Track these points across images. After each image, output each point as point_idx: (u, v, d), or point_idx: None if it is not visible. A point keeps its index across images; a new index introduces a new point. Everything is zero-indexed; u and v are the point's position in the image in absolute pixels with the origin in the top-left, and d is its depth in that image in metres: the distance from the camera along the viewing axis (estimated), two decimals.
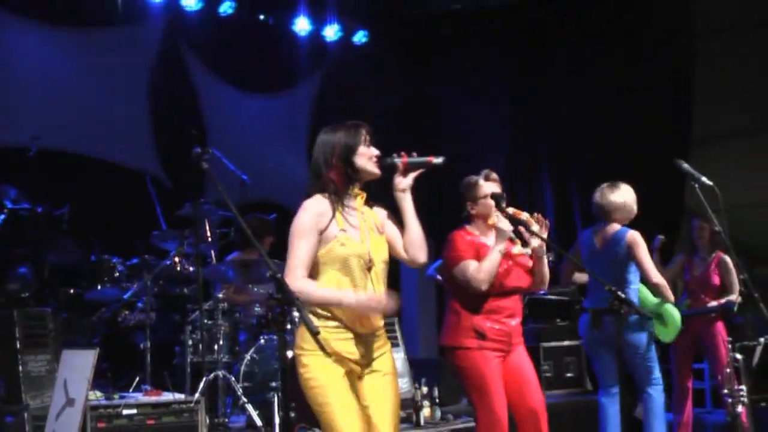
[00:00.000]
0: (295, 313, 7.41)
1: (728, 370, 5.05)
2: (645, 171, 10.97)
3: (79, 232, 8.80)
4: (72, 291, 8.47)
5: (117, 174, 10.15)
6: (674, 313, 6.74)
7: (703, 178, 5.75)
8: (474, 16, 11.89)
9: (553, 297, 10.30)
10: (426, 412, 7.66)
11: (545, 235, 5.37)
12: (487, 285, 5.20)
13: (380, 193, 4.49)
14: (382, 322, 4.36)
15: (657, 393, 6.73)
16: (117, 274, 8.42)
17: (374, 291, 4.23)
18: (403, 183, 4.36)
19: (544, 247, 5.44)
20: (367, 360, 4.27)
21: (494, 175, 5.55)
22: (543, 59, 12.45)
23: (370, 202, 4.44)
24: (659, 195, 10.89)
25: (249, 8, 11.17)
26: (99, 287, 8.36)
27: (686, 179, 5.99)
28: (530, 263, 5.54)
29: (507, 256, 5.41)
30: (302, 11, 11.42)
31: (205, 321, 7.82)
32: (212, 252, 9.04)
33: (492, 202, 5.37)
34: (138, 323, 8.12)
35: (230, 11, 10.92)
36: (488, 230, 5.43)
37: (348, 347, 4.20)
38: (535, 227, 5.35)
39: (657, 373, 6.75)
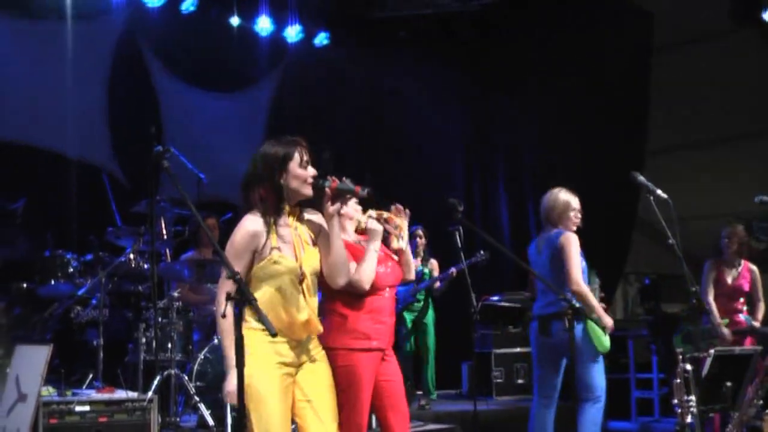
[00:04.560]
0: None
1: (678, 380, 5.12)
2: (600, 182, 11.12)
3: (33, 226, 8.74)
4: (25, 286, 8.39)
5: (73, 169, 10.06)
6: (597, 332, 6.57)
7: (658, 191, 5.83)
8: (434, 20, 11.94)
9: (505, 304, 10.38)
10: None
11: (406, 223, 5.39)
12: (369, 285, 5.17)
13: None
14: (311, 332, 4.55)
15: (591, 407, 6.57)
16: (71, 269, 8.35)
17: (306, 302, 4.43)
18: (331, 209, 4.51)
19: (406, 236, 5.44)
20: (301, 361, 4.48)
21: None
22: (501, 66, 12.55)
23: (303, 209, 4.57)
24: (613, 206, 11.04)
25: (211, 7, 11.12)
26: (52, 282, 8.29)
27: (641, 191, 6.05)
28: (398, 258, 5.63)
29: (387, 256, 5.49)
30: (264, 11, 11.39)
31: (159, 319, 7.80)
32: (167, 250, 9.01)
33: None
34: (91, 320, 8.07)
35: (192, 9, 10.87)
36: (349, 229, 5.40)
37: (283, 350, 4.40)
38: (397, 221, 5.38)
39: (598, 387, 6.60)
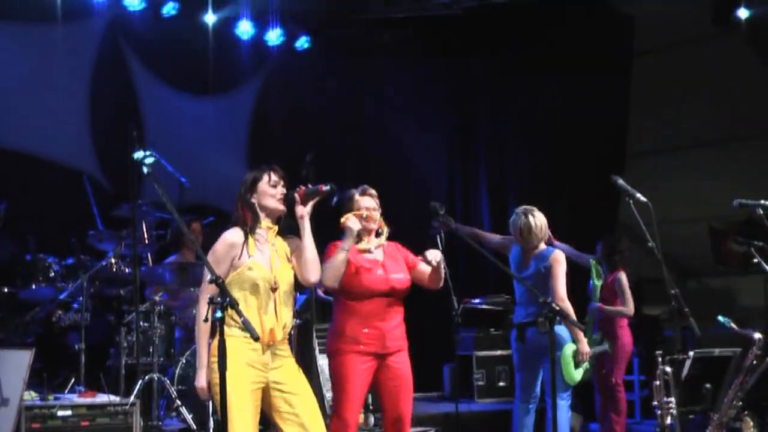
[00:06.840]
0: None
1: (658, 382, 5.16)
2: (580, 185, 11.16)
3: (14, 230, 8.72)
4: (6, 289, 8.38)
5: (54, 172, 10.02)
6: (567, 363, 6.81)
7: (638, 194, 5.88)
8: (416, 25, 11.95)
9: (486, 306, 10.41)
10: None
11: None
12: (334, 282, 5.34)
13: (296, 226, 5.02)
14: (283, 335, 4.88)
15: (565, 406, 6.85)
16: (52, 273, 8.34)
17: (277, 310, 4.80)
18: (302, 211, 4.97)
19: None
20: (271, 365, 4.80)
21: (371, 191, 5.63)
22: (482, 71, 12.58)
23: (286, 235, 5.01)
24: (594, 209, 11.08)
25: (192, 10, 11.08)
26: (33, 286, 8.29)
27: (622, 194, 6.09)
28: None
29: (371, 262, 5.54)
30: (245, 15, 11.37)
31: (141, 323, 7.80)
32: (149, 254, 9.00)
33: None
34: (73, 323, 8.08)
35: (173, 12, 10.83)
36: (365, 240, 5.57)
37: (253, 354, 4.73)
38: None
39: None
